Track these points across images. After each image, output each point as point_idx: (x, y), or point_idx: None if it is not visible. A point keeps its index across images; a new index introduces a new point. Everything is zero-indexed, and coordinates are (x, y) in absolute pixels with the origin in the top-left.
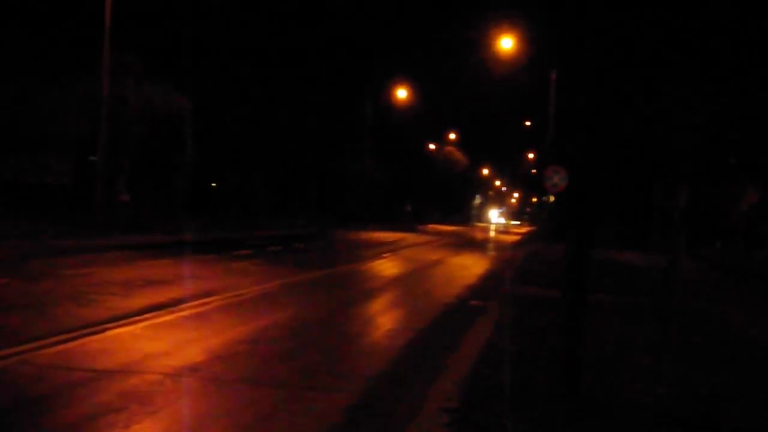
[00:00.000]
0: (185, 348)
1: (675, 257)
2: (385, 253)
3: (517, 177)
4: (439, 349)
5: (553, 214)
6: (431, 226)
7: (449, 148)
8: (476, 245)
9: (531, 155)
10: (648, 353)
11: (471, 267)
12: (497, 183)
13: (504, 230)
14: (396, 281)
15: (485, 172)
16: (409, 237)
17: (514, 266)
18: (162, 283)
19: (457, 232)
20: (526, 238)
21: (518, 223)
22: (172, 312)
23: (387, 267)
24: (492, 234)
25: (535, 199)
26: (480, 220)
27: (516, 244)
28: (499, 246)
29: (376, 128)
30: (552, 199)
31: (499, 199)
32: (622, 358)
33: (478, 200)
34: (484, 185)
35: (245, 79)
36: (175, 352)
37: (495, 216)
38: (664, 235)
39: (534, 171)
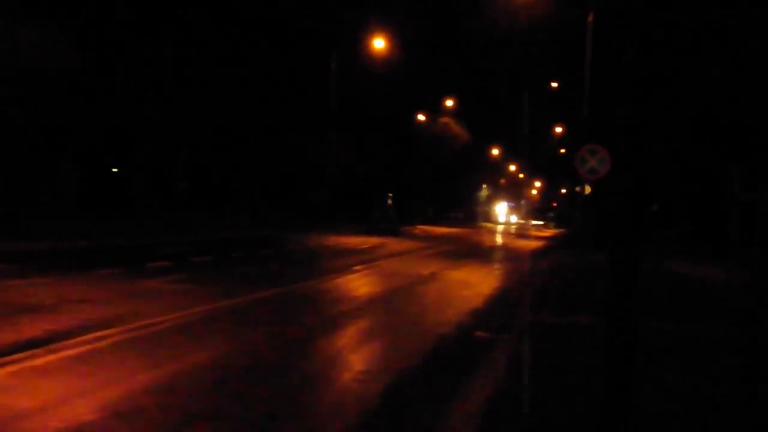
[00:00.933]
0: (71, 402)
1: (759, 269)
2: (357, 264)
3: (539, 160)
4: (428, 400)
5: (589, 211)
6: (421, 228)
7: (445, 120)
8: (482, 254)
9: (558, 129)
10: (728, 411)
11: (475, 285)
12: (512, 168)
13: (521, 233)
14: (372, 304)
15: (495, 152)
16: (391, 243)
17: (534, 284)
18: (39, 309)
19: (457, 235)
20: (552, 245)
21: (540, 223)
22: (54, 351)
23: (360, 284)
24: (504, 238)
25: (564, 191)
26: (489, 219)
27: (537, 253)
28: (515, 255)
29: (346, 97)
30: (588, 190)
31: (515, 191)
32: (693, 421)
33: (485, 192)
34: (494, 171)
35: (164, 30)
36: (55, 408)
37: (504, 212)
38: (744, 239)
39: (563, 151)
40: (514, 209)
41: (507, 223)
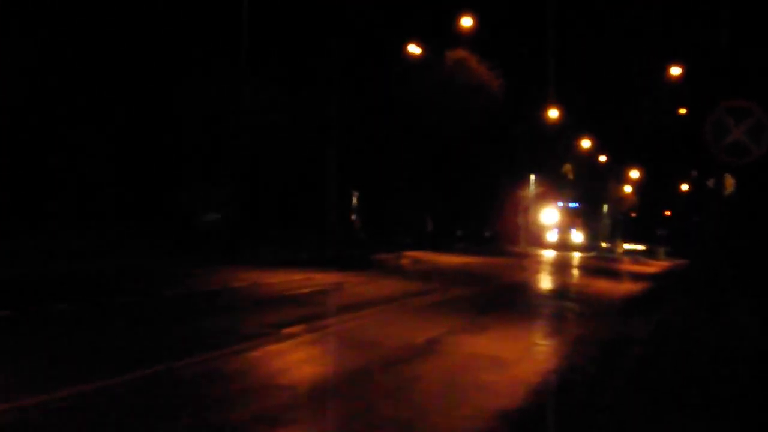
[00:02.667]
0: None
1: None
2: (292, 325)
3: (635, 132)
4: None
5: (732, 223)
6: (412, 255)
7: (459, 55)
8: (521, 307)
9: (675, 72)
10: None
11: (508, 364)
12: (584, 145)
13: (599, 264)
14: (315, 401)
15: (553, 116)
16: (356, 283)
17: (623, 363)
18: None
19: (476, 270)
20: (659, 288)
21: (640, 247)
22: None
23: (295, 363)
24: (565, 276)
25: (684, 187)
26: (538, 240)
27: (627, 306)
28: (584, 309)
29: (276, 18)
30: (730, 185)
31: (590, 187)
32: None
33: (532, 187)
34: (552, 151)
35: None
36: None
37: (554, 222)
38: None
39: (681, 112)
40: (580, 220)
41: (568, 246)
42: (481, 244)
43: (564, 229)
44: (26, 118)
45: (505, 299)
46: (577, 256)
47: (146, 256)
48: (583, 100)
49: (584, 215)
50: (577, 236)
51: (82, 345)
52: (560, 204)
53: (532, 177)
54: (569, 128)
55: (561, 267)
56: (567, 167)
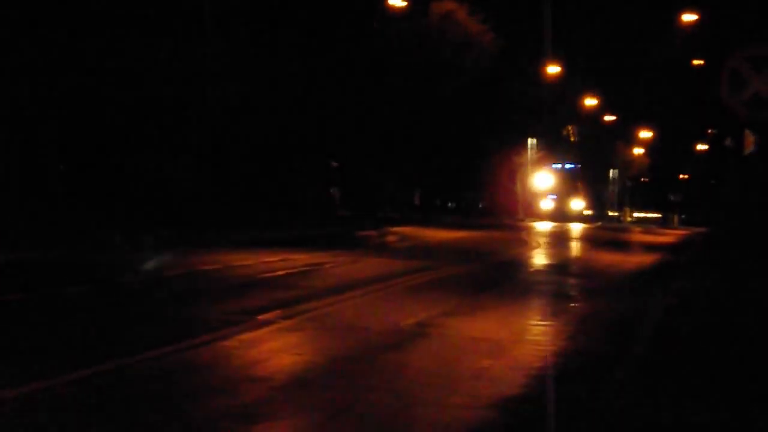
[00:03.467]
0: None
1: None
2: (268, 310)
3: (645, 88)
4: None
5: (753, 188)
6: (399, 230)
7: (447, 7)
8: (520, 285)
9: (688, 18)
10: None
11: (505, 348)
12: (589, 103)
13: (604, 234)
14: (293, 394)
15: (553, 71)
16: (338, 262)
17: (636, 339)
18: None
19: (469, 244)
20: (673, 261)
21: (654, 215)
22: None
23: (272, 351)
24: (567, 249)
25: (700, 147)
26: (540, 211)
27: (640, 279)
28: (590, 285)
29: None
30: (750, 143)
31: (597, 149)
32: None
33: (531, 152)
34: (553, 111)
35: None
36: None
37: (546, 190)
38: None
39: (697, 63)
40: (580, 185)
41: (566, 216)
42: (474, 216)
43: (561, 195)
44: None
45: (501, 276)
46: (578, 228)
47: (101, 238)
48: (586, 54)
49: (585, 179)
50: (577, 204)
51: (28, 340)
52: (556, 166)
53: (531, 141)
54: (571, 86)
55: (562, 239)
56: (569, 129)
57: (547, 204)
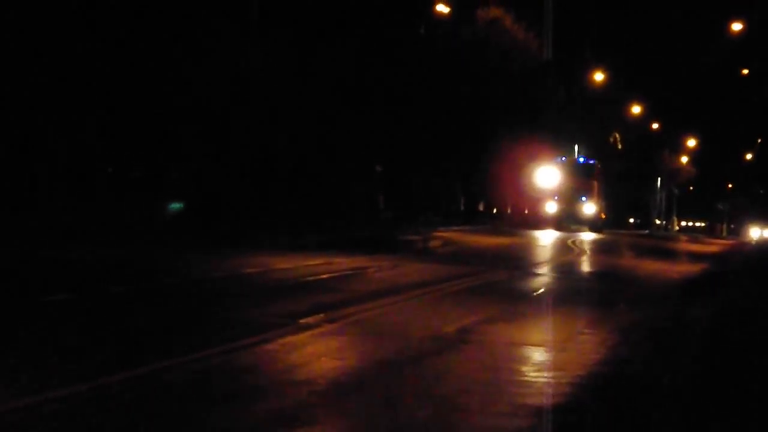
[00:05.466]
0: None
1: None
2: (309, 314)
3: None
4: None
5: None
6: (442, 235)
7: (493, 14)
8: (567, 291)
9: (736, 28)
10: None
11: (551, 355)
12: (634, 111)
13: (646, 243)
14: (336, 398)
15: (598, 79)
16: (380, 267)
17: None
18: None
19: (512, 250)
20: (719, 272)
21: (699, 224)
22: None
23: (313, 355)
24: (608, 256)
25: (748, 157)
26: (581, 217)
27: (687, 289)
28: (634, 292)
29: None
30: None
31: (641, 155)
32: None
33: (578, 154)
34: (598, 116)
35: None
36: None
37: (553, 189)
38: None
39: (744, 73)
40: (594, 185)
41: (571, 222)
42: (518, 224)
43: (569, 197)
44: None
45: (543, 283)
46: (589, 238)
47: (145, 241)
48: (633, 61)
49: (601, 177)
50: (588, 208)
51: (74, 339)
52: (560, 159)
53: (576, 147)
54: (617, 92)
55: (609, 247)
56: (616, 136)
57: (550, 208)
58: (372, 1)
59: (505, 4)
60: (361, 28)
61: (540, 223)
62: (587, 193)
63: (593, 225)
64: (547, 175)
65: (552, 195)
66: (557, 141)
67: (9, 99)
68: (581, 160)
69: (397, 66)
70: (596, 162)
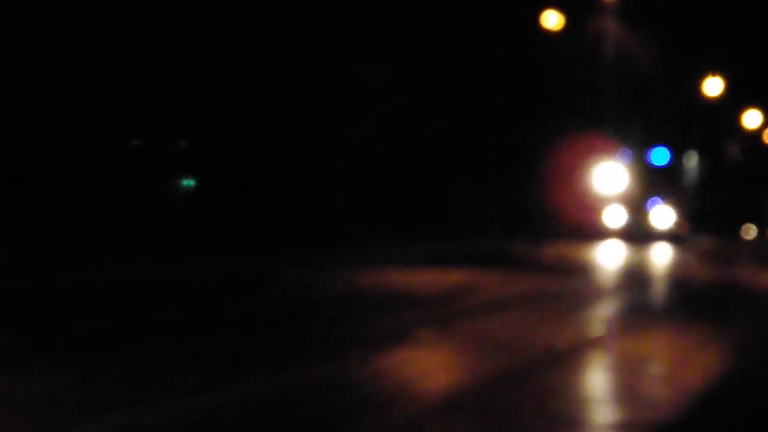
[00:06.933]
0: None
1: None
2: (418, 327)
3: None
4: None
5: None
6: (555, 246)
7: (601, 24)
8: (686, 305)
9: None
10: None
11: (673, 368)
12: (749, 122)
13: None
14: (460, 412)
15: (715, 93)
16: (489, 280)
17: None
18: None
19: (631, 263)
20: None
21: None
22: None
23: (427, 368)
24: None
25: None
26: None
27: None
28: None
29: None
30: None
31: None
32: None
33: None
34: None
35: None
36: None
37: (617, 195)
38: None
39: None
40: (671, 188)
41: (646, 236)
42: (639, 237)
43: (638, 205)
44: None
45: (660, 295)
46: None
47: (251, 256)
48: (748, 67)
49: (679, 178)
50: (663, 216)
51: (189, 355)
52: (626, 155)
53: (692, 156)
54: (732, 100)
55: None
56: (733, 147)
57: (615, 217)
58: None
59: (619, 15)
60: (479, 43)
61: (600, 234)
62: (664, 195)
63: (673, 237)
64: (608, 176)
65: (615, 201)
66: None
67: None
68: (657, 154)
69: (511, 80)
70: (672, 159)
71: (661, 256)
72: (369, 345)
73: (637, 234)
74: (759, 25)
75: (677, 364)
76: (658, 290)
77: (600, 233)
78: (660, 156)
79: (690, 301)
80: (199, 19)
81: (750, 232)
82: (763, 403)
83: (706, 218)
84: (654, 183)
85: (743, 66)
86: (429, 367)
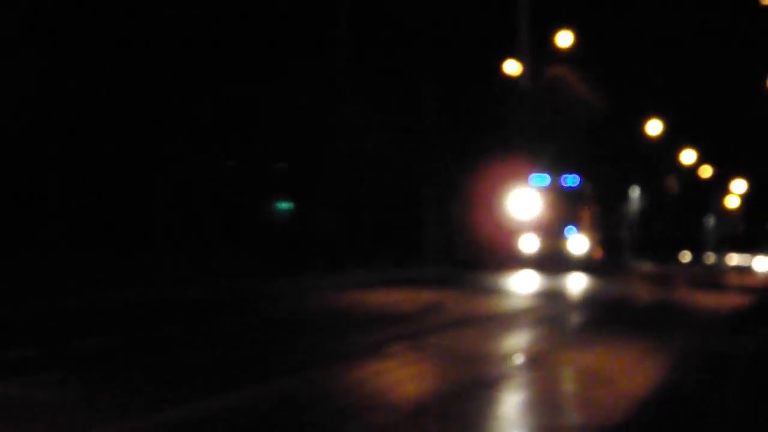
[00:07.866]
0: None
1: None
2: (396, 343)
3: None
4: None
5: None
6: (517, 273)
7: (558, 71)
8: (633, 318)
9: None
10: None
11: (616, 379)
12: (686, 159)
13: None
14: (424, 416)
15: (655, 132)
16: (458, 299)
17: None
18: None
19: (597, 288)
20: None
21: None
22: None
23: (399, 378)
24: (661, 288)
25: None
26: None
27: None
28: (693, 318)
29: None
30: None
31: (694, 197)
32: None
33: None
34: (654, 161)
35: None
36: None
37: (530, 220)
38: None
39: None
40: (587, 213)
41: (561, 262)
42: (595, 267)
43: (552, 229)
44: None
45: (610, 313)
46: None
47: (237, 276)
48: (687, 108)
49: (594, 204)
50: (579, 242)
51: (177, 368)
52: (539, 180)
53: (634, 192)
54: (671, 138)
55: (666, 281)
56: (671, 181)
57: (528, 243)
58: (448, 58)
59: (571, 63)
60: (445, 85)
61: (514, 262)
62: (577, 223)
63: (587, 265)
64: (523, 201)
65: (532, 227)
66: (620, 182)
67: None
68: (567, 181)
69: (474, 123)
70: (586, 183)
71: (600, 280)
72: (346, 358)
73: (554, 260)
74: (696, 76)
75: (621, 375)
76: (602, 309)
77: (515, 260)
78: (571, 184)
79: (632, 320)
80: None
81: (686, 257)
82: (699, 405)
83: (646, 245)
84: (569, 209)
85: (681, 110)
86: (401, 377)
